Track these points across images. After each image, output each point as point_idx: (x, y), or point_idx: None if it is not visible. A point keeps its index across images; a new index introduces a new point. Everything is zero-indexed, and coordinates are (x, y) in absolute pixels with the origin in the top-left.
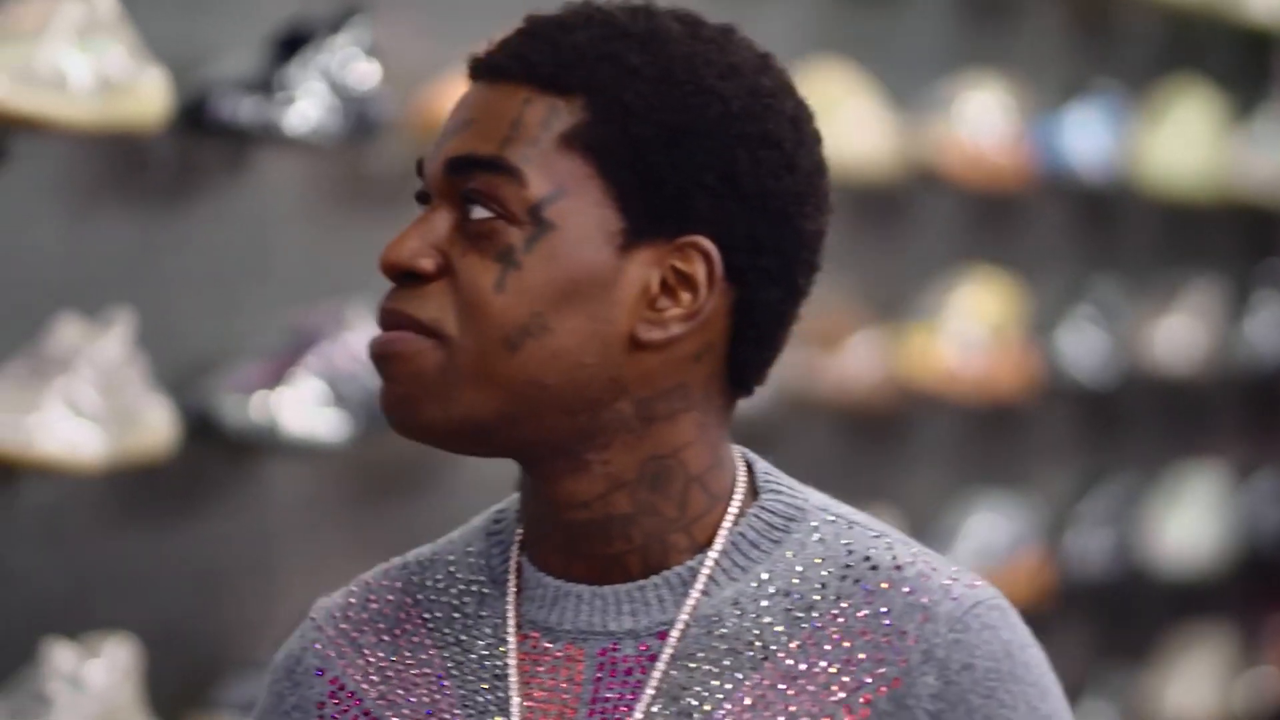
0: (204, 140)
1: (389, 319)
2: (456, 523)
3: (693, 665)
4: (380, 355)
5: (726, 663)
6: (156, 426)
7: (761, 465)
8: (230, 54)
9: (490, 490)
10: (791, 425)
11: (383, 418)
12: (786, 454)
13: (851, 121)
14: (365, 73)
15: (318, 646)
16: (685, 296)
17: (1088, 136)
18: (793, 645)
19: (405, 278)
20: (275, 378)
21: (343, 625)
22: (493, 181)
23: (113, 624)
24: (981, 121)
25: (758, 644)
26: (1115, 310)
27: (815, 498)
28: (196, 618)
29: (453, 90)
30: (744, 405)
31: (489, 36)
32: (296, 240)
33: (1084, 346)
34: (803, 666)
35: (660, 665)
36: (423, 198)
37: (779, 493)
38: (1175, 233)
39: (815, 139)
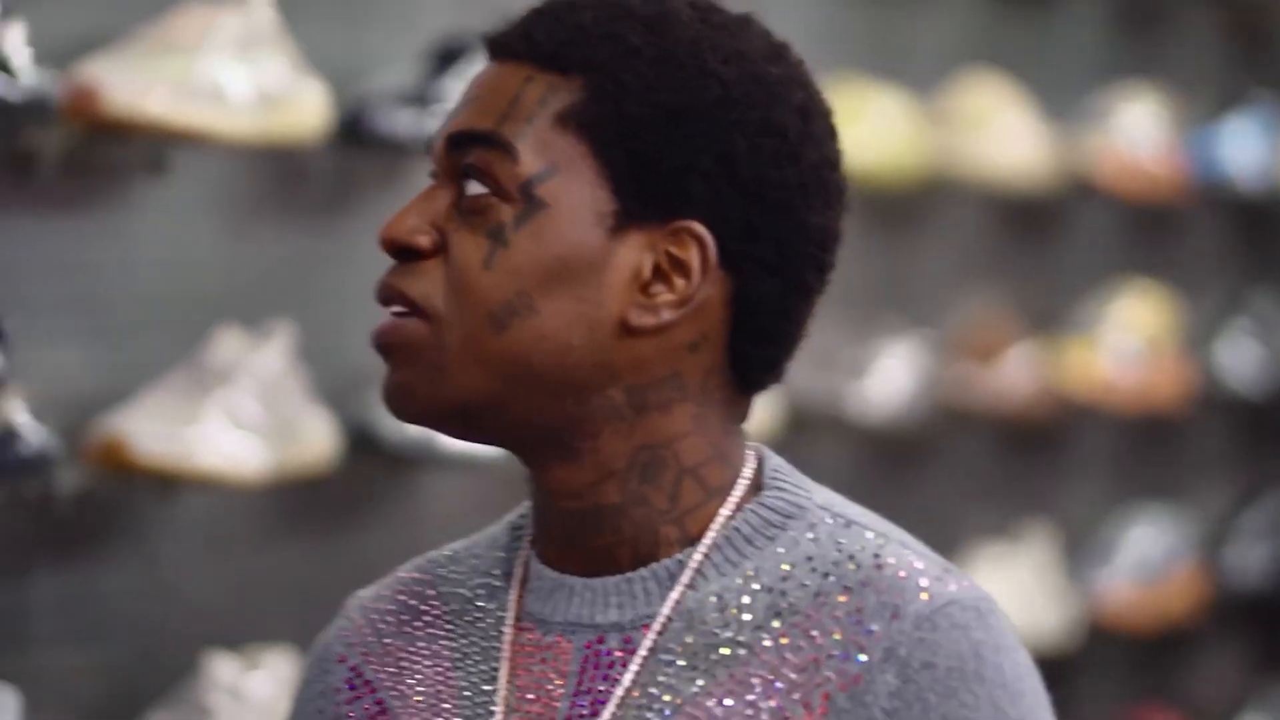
0: (362, 152)
1: (382, 293)
2: None
3: (669, 660)
4: (379, 346)
5: (702, 658)
6: (316, 438)
7: (773, 462)
8: (387, 66)
9: None
10: (948, 438)
11: None
12: (943, 466)
13: (1006, 133)
14: None
15: (343, 634)
16: (679, 282)
17: (1244, 147)
18: (767, 642)
19: (403, 254)
20: None
21: (370, 615)
22: (487, 157)
23: (273, 635)
24: (1137, 132)
25: (734, 640)
26: (1273, 322)
27: (820, 497)
28: None
29: None
30: (899, 416)
31: None
32: None
33: (1241, 358)
34: (775, 663)
35: (638, 659)
36: (435, 177)
37: (782, 490)
38: None
39: (826, 133)
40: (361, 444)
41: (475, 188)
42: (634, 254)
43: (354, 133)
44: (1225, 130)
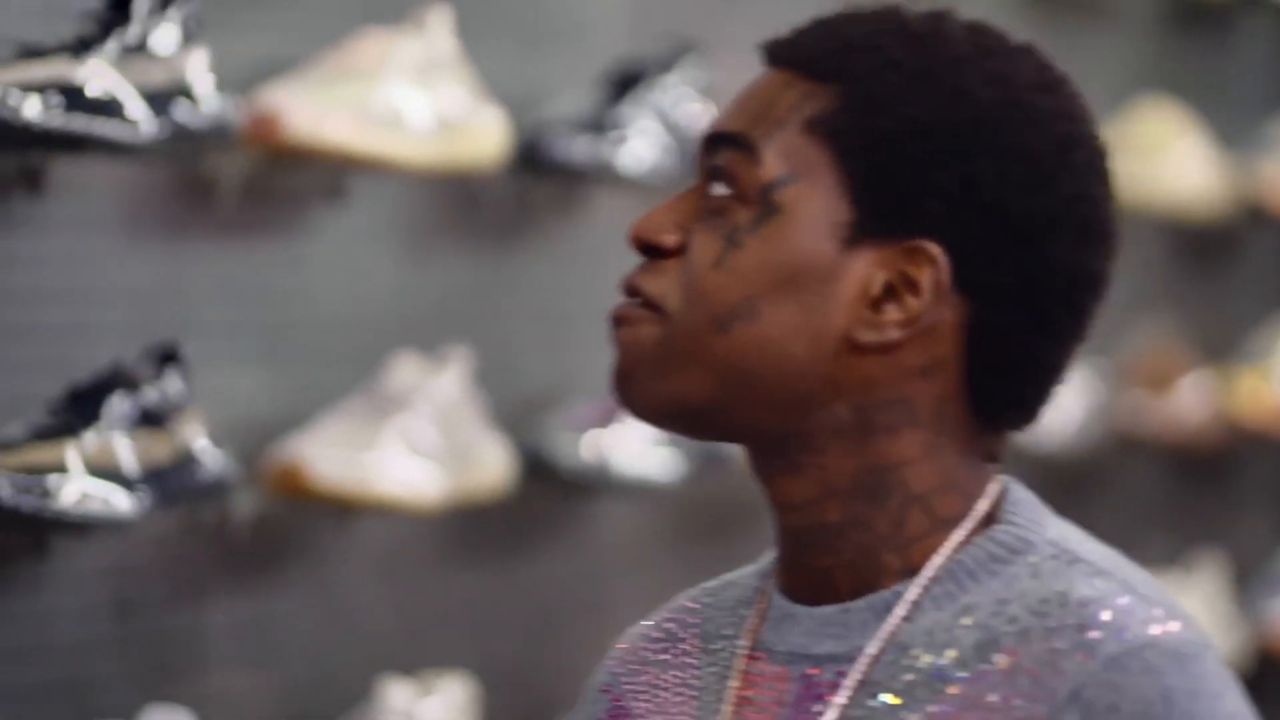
0: (539, 179)
1: (624, 290)
2: None
3: (875, 693)
4: (612, 331)
5: (906, 693)
6: (493, 464)
7: (1014, 495)
8: (564, 93)
9: None
10: (1120, 466)
11: (717, 458)
12: (1114, 494)
13: (1181, 160)
14: (698, 111)
15: (611, 663)
16: (909, 301)
17: None
18: (969, 679)
19: (649, 251)
20: (608, 416)
21: (639, 644)
22: (733, 158)
23: (448, 661)
24: None
25: (938, 676)
26: None
27: (1053, 531)
28: (531, 656)
29: None
30: (1071, 444)
31: None
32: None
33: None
34: (975, 699)
35: (846, 691)
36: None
37: (1014, 525)
38: None
39: (1090, 169)
40: (536, 470)
41: (719, 189)
42: (865, 269)
43: (531, 159)
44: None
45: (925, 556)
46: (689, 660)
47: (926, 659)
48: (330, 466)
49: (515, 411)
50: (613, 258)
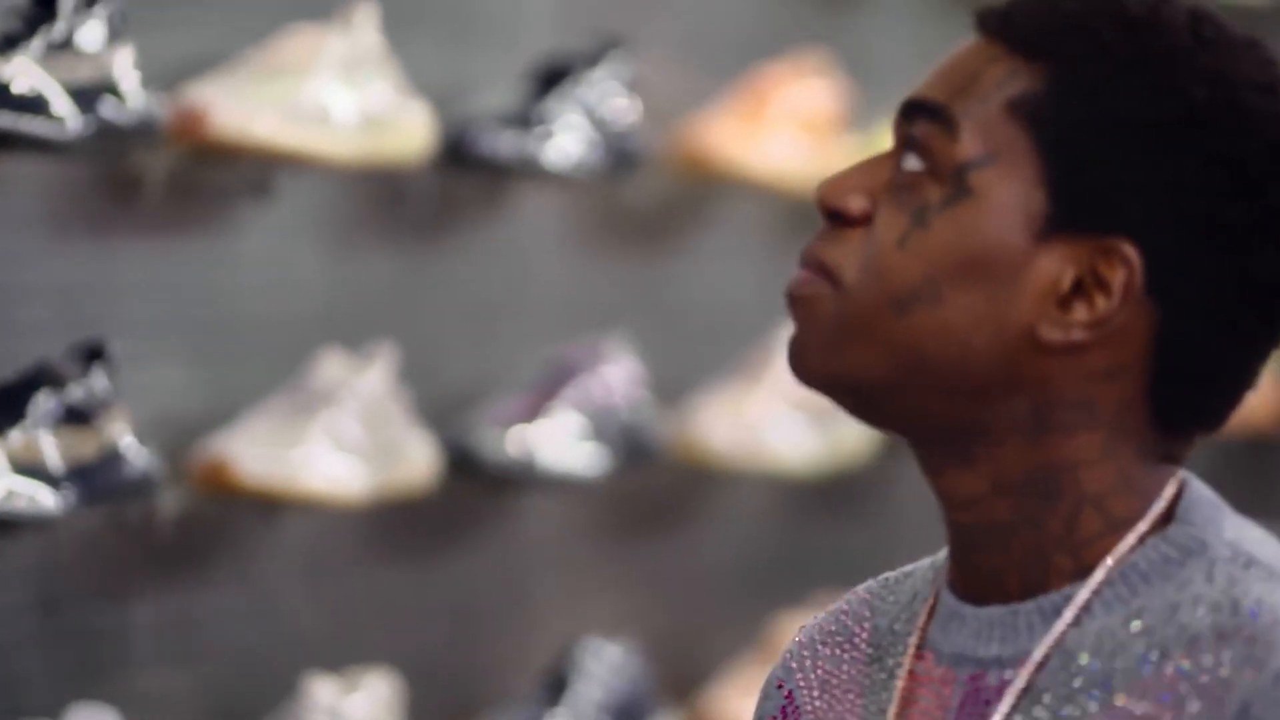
0: (464, 174)
1: (804, 256)
2: (712, 561)
3: (1041, 699)
4: (788, 297)
5: (1072, 699)
6: (418, 461)
7: (1193, 494)
8: (490, 88)
9: (751, 530)
10: None
11: (643, 453)
12: None
13: None
14: (624, 107)
15: (787, 657)
16: (1099, 302)
17: None
18: (1136, 687)
19: (835, 217)
20: (533, 411)
21: (815, 636)
22: (930, 130)
23: (373, 658)
24: None
25: (1104, 683)
26: None
27: (1232, 532)
28: (456, 652)
29: (709, 125)
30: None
31: (747, 69)
32: (555, 274)
33: None
34: (1139, 711)
35: (1011, 696)
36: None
37: (1191, 524)
38: None
39: None
40: (461, 466)
41: (912, 162)
42: (1056, 264)
43: (457, 155)
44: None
45: (1098, 558)
46: (860, 655)
47: (1094, 666)
48: (256, 463)
49: (441, 408)
50: (538, 253)
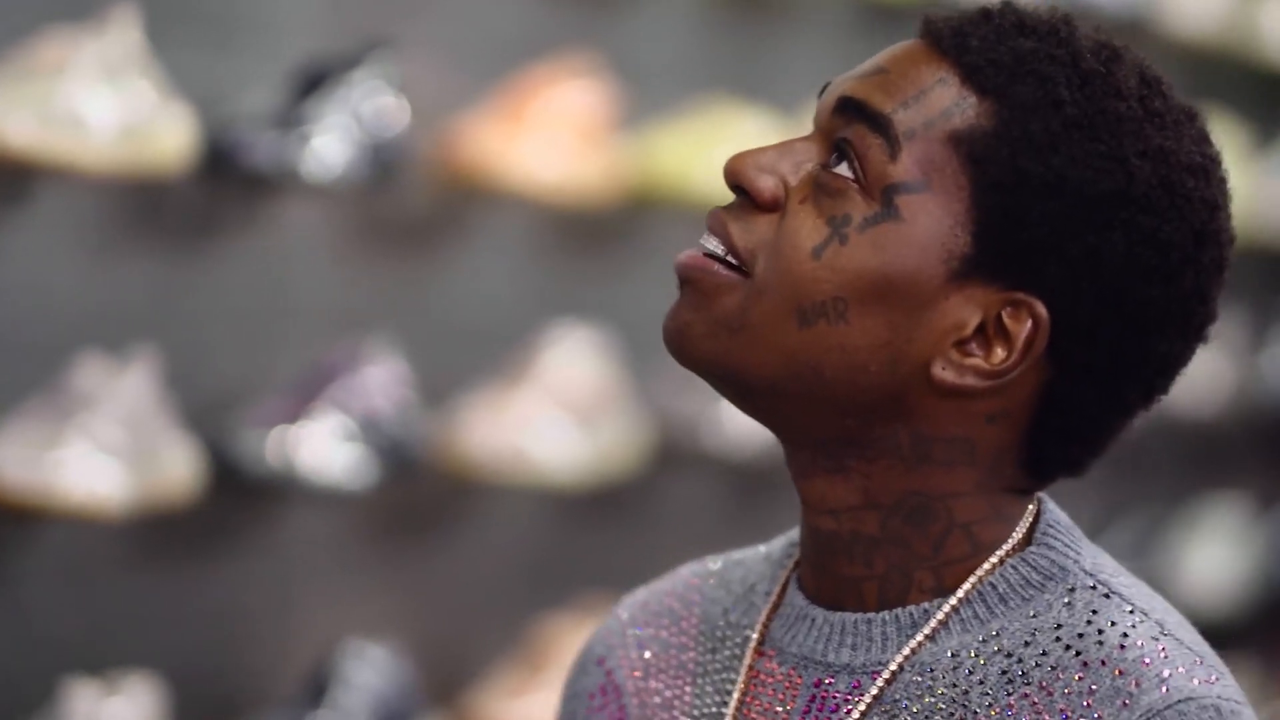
0: (225, 176)
1: (715, 223)
2: (477, 565)
3: (892, 713)
4: (682, 276)
5: (925, 715)
6: (179, 463)
7: (1050, 517)
8: (252, 89)
9: (518, 534)
10: None
11: (402, 457)
12: None
13: None
14: (388, 108)
15: (606, 635)
16: (998, 352)
17: None
18: (994, 709)
19: (743, 193)
20: (295, 413)
21: (636, 614)
22: (867, 139)
23: (134, 663)
24: None
25: (961, 702)
26: None
27: (1090, 561)
28: (218, 656)
29: (473, 126)
30: None
31: (513, 71)
32: (319, 280)
33: None
34: None
35: (861, 706)
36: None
37: (1050, 548)
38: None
39: (1215, 264)
40: (222, 471)
41: (842, 168)
42: (964, 305)
43: (218, 159)
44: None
45: (960, 579)
46: (689, 641)
47: (949, 682)
48: (14, 470)
49: (202, 411)
50: (301, 258)
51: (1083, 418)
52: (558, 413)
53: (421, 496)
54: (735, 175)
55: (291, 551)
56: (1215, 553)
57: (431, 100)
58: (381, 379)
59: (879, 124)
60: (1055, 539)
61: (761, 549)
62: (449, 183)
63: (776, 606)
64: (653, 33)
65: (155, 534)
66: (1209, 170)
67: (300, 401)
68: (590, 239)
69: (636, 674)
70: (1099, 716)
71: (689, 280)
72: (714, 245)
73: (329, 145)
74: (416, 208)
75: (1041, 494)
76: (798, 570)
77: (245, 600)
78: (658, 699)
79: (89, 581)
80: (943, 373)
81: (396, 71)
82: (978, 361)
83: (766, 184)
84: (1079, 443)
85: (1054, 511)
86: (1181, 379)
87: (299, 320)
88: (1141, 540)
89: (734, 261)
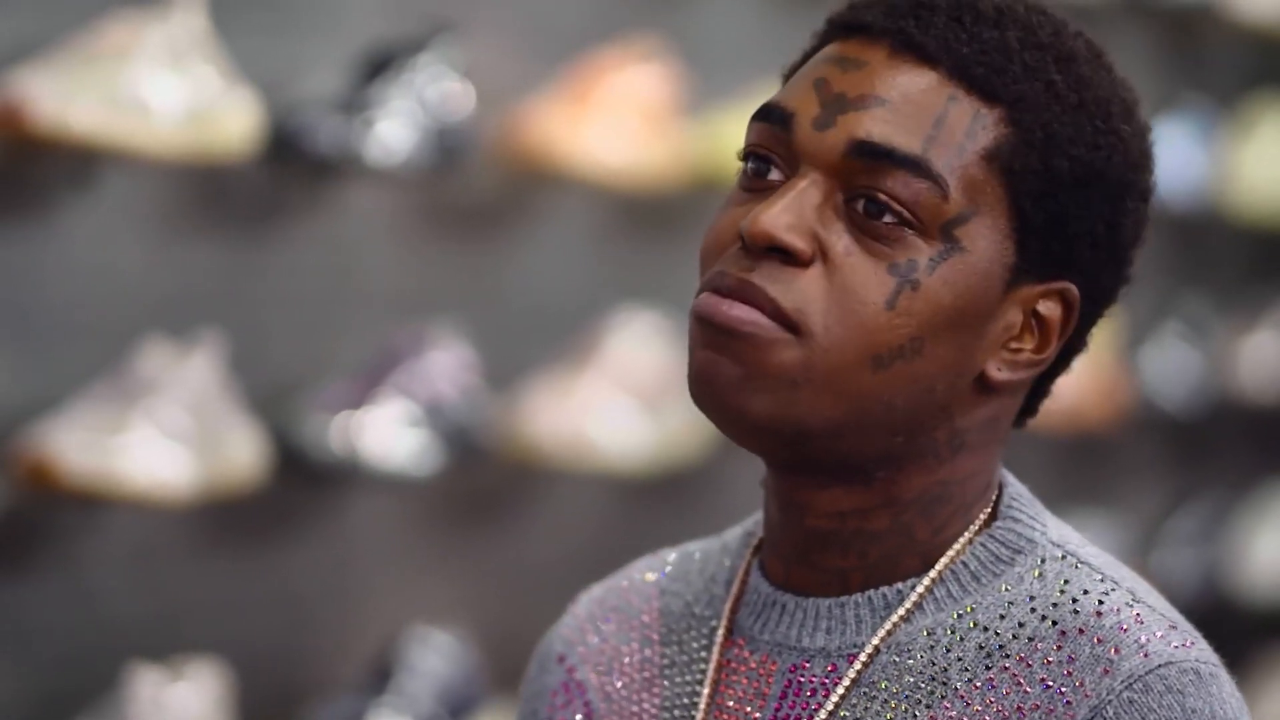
0: (290, 161)
1: (744, 291)
2: (541, 550)
3: (871, 694)
4: (726, 328)
5: (905, 695)
6: (243, 449)
7: (1011, 490)
8: (317, 74)
9: (583, 520)
10: None
11: (466, 443)
12: None
13: None
14: (453, 92)
15: (566, 632)
16: (1031, 340)
17: (1175, 152)
18: (974, 684)
19: (772, 251)
20: (360, 397)
21: (595, 610)
22: (913, 186)
23: (198, 648)
24: None
25: (940, 679)
26: (1204, 328)
27: (1056, 532)
28: (282, 642)
29: (538, 110)
30: None
31: (578, 55)
32: (384, 264)
33: (1172, 364)
34: (978, 708)
35: (839, 690)
36: (762, 159)
37: (1017, 521)
38: (1262, 250)
39: (1151, 211)
40: (286, 456)
41: (884, 214)
42: (1013, 309)
43: (283, 144)
44: (1157, 136)
45: (940, 555)
46: (652, 635)
47: (926, 661)
48: (79, 454)
49: (268, 396)
50: (366, 243)
51: (1064, 368)
52: (623, 398)
53: (486, 482)
54: (769, 239)
55: (356, 537)
56: None
57: (496, 84)
58: (446, 364)
59: (919, 169)
60: (1020, 512)
61: (716, 540)
62: (514, 167)
63: (740, 596)
64: (718, 16)
65: (220, 520)
66: (1149, 125)
67: (365, 387)
68: (655, 223)
69: (599, 669)
70: (1080, 684)
71: (738, 334)
72: (749, 313)
73: (393, 130)
74: (481, 192)
75: (1002, 469)
76: (758, 557)
77: (309, 586)
78: (624, 693)
79: (154, 567)
80: (999, 374)
81: (461, 56)
82: (1026, 355)
83: (802, 241)
84: (1047, 392)
85: (1014, 484)
86: (1250, 365)
87: (364, 305)
88: (1208, 526)
89: (783, 322)
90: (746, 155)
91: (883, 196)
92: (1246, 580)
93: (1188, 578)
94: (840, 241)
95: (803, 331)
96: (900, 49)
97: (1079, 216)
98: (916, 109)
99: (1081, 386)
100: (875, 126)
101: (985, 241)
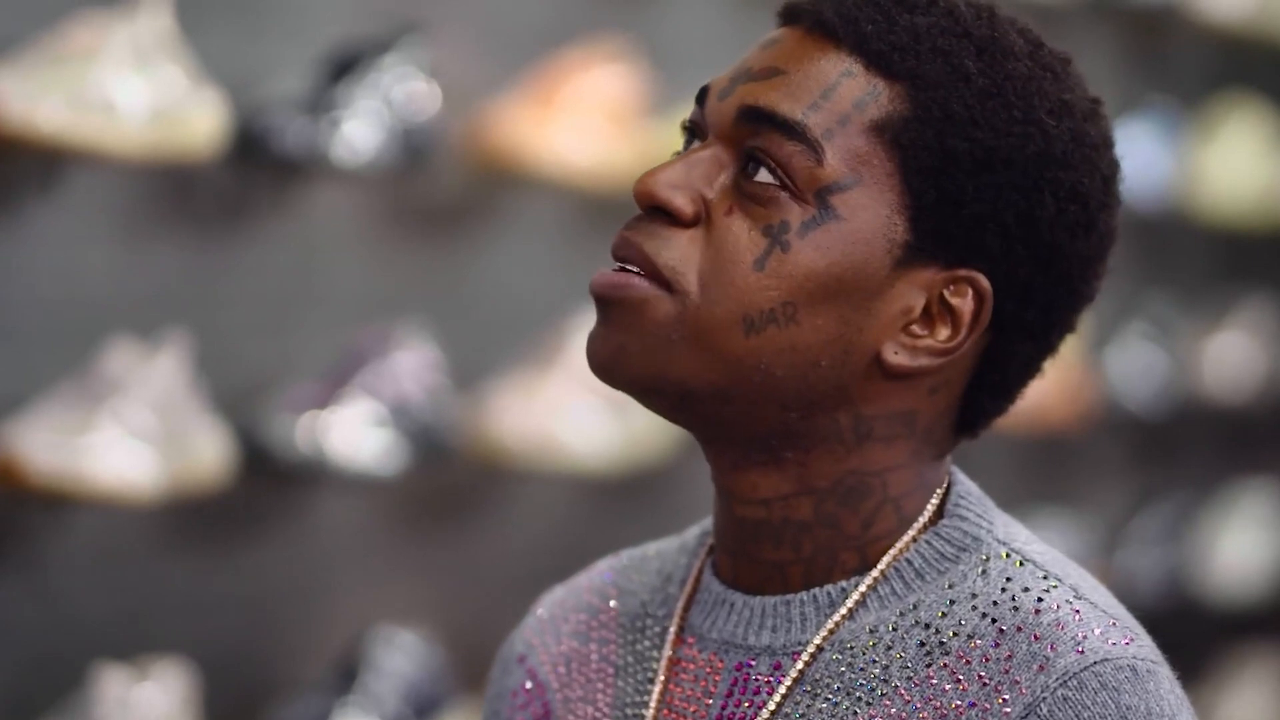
0: (256, 161)
1: (625, 249)
2: (508, 551)
3: (814, 692)
4: (604, 298)
5: (846, 692)
6: (209, 448)
7: (960, 488)
8: (283, 74)
9: (549, 520)
10: None
11: (432, 442)
12: None
13: None
14: (418, 92)
15: (527, 633)
16: (943, 331)
17: (1140, 153)
18: (915, 682)
19: (655, 211)
20: (326, 398)
21: (556, 612)
22: (786, 148)
23: (165, 648)
24: None
25: (880, 677)
26: (1169, 327)
27: (1002, 529)
28: (249, 641)
29: (504, 110)
30: None
31: (544, 56)
32: (350, 264)
33: (1137, 365)
34: (918, 705)
35: (783, 688)
36: (693, 129)
37: (963, 519)
38: (1227, 250)
39: (1117, 203)
40: (252, 456)
41: (763, 175)
42: (910, 290)
43: (249, 144)
44: (1120, 136)
45: (880, 554)
46: (609, 635)
47: (869, 659)
48: (44, 454)
49: (233, 396)
50: (332, 243)
51: (1018, 371)
52: (588, 398)
53: (452, 482)
54: (650, 196)
55: (322, 537)
56: (1247, 539)
57: (462, 85)
58: (412, 364)
59: (794, 131)
60: (968, 510)
61: (676, 540)
62: (479, 167)
63: (693, 595)
64: (683, 16)
65: (185, 519)
66: (1098, 112)
67: (331, 387)
68: (620, 223)
69: (559, 670)
70: (1016, 681)
71: (613, 300)
72: (622, 276)
73: (359, 130)
74: (447, 193)
75: (952, 466)
76: (712, 557)
77: (275, 586)
78: (580, 693)
79: (120, 567)
80: (895, 357)
81: (427, 56)
82: (929, 342)
83: (685, 200)
84: (1009, 395)
85: (964, 482)
86: (1215, 365)
87: (329, 305)
88: (1173, 526)
89: (659, 281)
90: (687, 126)
91: (760, 154)
92: (1211, 580)
93: (1152, 578)
94: (724, 204)
95: (676, 289)
96: (814, 28)
97: (979, 200)
98: (808, 79)
99: (1046, 387)
100: (763, 93)
101: (868, 213)
